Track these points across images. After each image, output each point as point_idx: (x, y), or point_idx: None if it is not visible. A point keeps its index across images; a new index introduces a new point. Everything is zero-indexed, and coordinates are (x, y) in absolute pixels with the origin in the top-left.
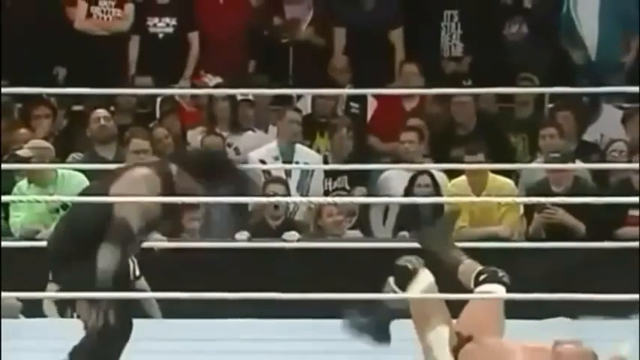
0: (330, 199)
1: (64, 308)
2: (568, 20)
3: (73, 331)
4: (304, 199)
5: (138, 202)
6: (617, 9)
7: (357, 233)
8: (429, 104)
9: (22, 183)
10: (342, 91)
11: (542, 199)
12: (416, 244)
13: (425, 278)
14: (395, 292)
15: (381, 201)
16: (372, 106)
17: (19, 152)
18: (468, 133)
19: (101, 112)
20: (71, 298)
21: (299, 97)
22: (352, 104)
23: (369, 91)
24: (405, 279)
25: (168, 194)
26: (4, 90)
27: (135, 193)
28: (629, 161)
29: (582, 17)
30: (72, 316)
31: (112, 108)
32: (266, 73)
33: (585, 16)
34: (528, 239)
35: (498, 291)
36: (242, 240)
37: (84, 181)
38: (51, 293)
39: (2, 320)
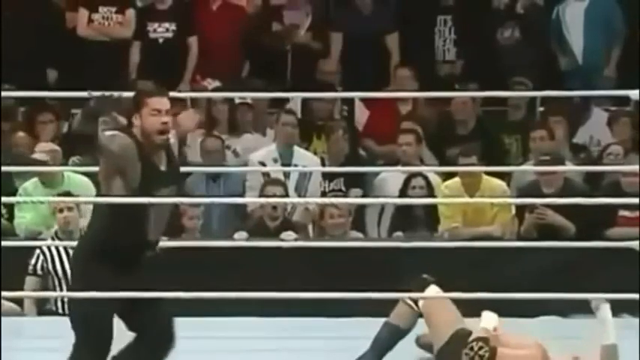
0: (327, 199)
1: (44, 307)
2: (557, 26)
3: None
4: (302, 199)
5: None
6: (601, 20)
7: (357, 234)
8: (423, 106)
9: (28, 184)
10: (339, 94)
11: (537, 200)
12: (409, 244)
13: (432, 289)
14: None
15: (377, 201)
16: (360, 109)
17: (36, 156)
18: (467, 132)
19: None
20: (69, 298)
21: (282, 100)
22: (343, 107)
23: (363, 95)
24: (419, 289)
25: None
26: (3, 94)
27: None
28: (621, 163)
29: (570, 24)
30: (53, 314)
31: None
32: (264, 77)
33: (573, 23)
34: (520, 239)
35: None
36: (241, 240)
37: (89, 183)
38: (53, 293)
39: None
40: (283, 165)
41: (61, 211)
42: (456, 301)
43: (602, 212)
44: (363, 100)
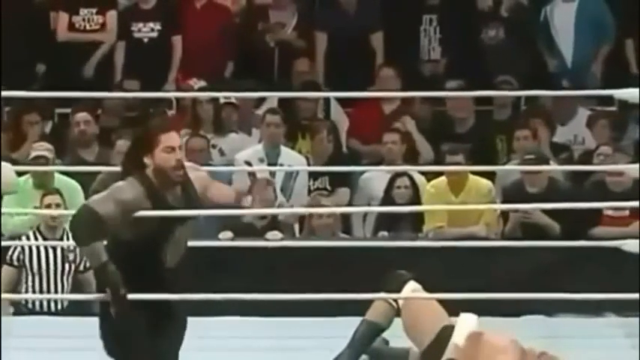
0: (319, 210)
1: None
2: (545, 28)
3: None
4: (288, 211)
5: (115, 201)
6: (592, 20)
7: (342, 234)
8: (418, 104)
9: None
10: (323, 94)
11: (533, 206)
12: (393, 243)
13: (411, 285)
14: None
15: (364, 210)
16: (335, 108)
17: (38, 154)
18: (465, 130)
19: (82, 115)
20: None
21: (264, 99)
22: (325, 106)
23: (346, 95)
24: (397, 286)
25: (153, 198)
26: (4, 94)
27: (120, 196)
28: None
29: (559, 26)
30: (31, 314)
31: (99, 111)
32: (251, 76)
33: (562, 25)
34: (505, 238)
35: None
36: (226, 239)
37: (77, 186)
38: (53, 295)
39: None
40: (270, 165)
41: (48, 206)
42: (440, 301)
43: (587, 211)
44: (347, 99)
